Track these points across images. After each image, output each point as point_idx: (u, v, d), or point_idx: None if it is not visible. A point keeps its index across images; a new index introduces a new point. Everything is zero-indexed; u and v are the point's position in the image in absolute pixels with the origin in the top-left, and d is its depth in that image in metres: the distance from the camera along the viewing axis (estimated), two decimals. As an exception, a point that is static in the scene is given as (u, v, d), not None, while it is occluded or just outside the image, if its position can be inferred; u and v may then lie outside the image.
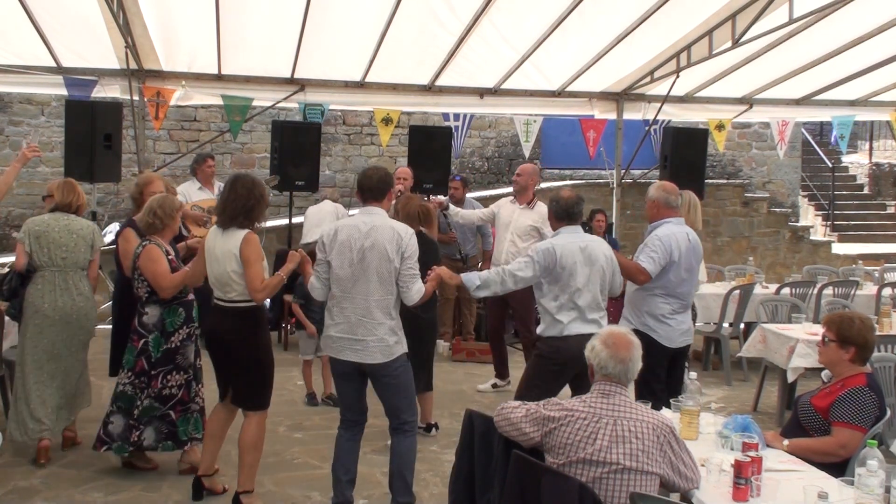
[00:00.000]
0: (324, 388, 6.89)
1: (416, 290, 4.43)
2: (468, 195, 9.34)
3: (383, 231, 4.37)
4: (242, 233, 4.48)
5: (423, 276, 4.56)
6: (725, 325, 8.07)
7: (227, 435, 4.88)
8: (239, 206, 4.48)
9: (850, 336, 4.03)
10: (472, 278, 4.82)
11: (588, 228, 5.53)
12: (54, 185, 5.72)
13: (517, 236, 7.21)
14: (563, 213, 4.92)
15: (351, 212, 7.52)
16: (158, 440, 4.99)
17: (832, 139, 11.09)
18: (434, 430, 6.08)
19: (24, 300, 5.32)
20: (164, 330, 4.93)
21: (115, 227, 9.52)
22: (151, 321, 4.93)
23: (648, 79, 9.78)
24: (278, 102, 9.50)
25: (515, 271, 4.77)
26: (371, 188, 4.52)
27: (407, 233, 4.43)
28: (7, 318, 5.63)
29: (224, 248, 4.49)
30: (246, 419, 4.64)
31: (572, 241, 4.83)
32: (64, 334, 5.27)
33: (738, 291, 7.99)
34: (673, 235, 5.12)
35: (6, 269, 5.79)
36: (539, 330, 4.97)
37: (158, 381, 4.92)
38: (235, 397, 4.70)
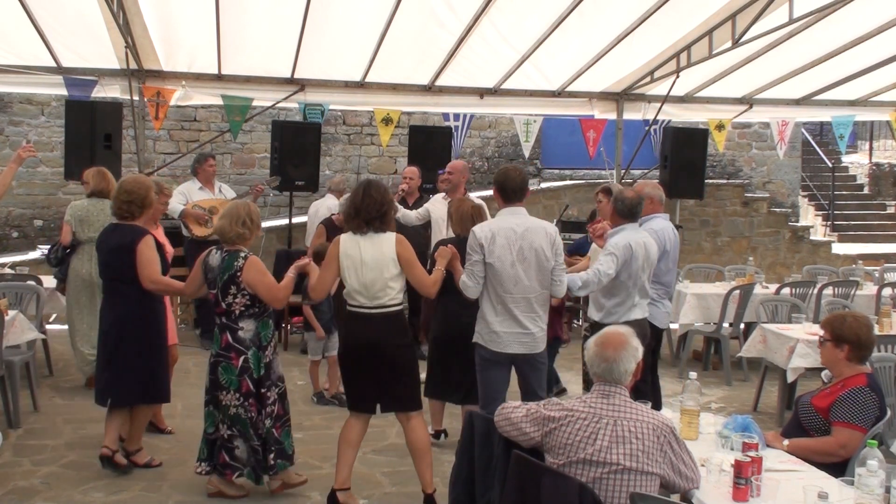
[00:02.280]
0: (329, 388, 6.90)
1: (566, 283, 4.82)
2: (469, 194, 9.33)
3: (537, 231, 4.70)
4: (391, 235, 4.51)
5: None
6: (725, 325, 8.07)
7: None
8: (374, 211, 4.49)
9: (842, 334, 4.04)
10: (574, 279, 5.05)
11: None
12: (90, 172, 6.85)
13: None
14: (628, 212, 5.29)
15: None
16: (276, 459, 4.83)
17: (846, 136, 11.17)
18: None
19: (68, 268, 6.58)
20: (259, 344, 4.72)
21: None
22: (248, 336, 4.68)
23: (648, 79, 9.78)
24: (278, 102, 9.50)
25: (606, 270, 5.05)
26: (516, 189, 4.77)
27: (555, 230, 4.80)
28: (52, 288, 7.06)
29: (375, 253, 4.46)
30: (413, 421, 4.63)
31: (637, 237, 5.23)
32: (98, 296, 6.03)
33: (738, 291, 7.99)
34: (665, 230, 5.81)
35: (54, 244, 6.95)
36: (598, 317, 5.26)
37: (268, 399, 4.75)
38: (392, 404, 4.62)
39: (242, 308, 4.66)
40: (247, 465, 4.72)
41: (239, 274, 4.61)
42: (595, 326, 5.11)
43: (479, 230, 4.70)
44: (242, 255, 4.66)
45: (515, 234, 4.64)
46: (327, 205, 8.84)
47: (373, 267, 4.46)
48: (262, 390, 4.72)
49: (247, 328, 4.68)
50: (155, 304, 5.13)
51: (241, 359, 4.66)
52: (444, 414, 5.89)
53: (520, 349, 4.72)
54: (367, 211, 4.49)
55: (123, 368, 5.04)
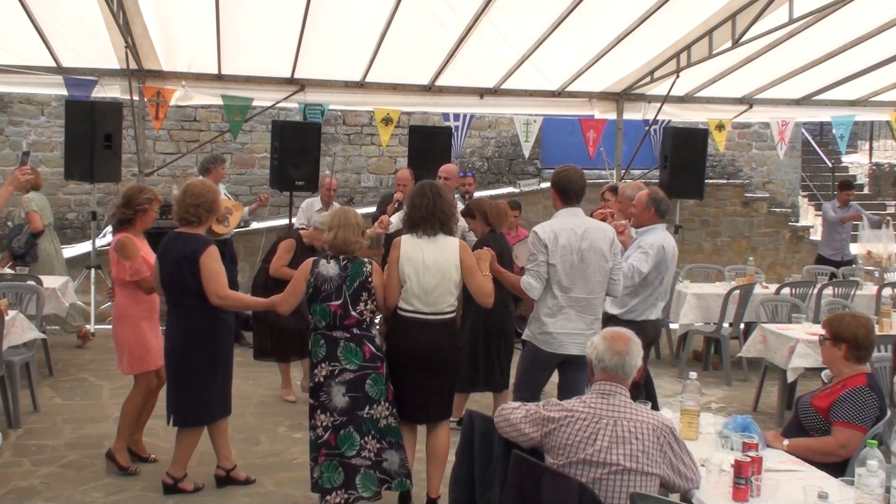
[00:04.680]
0: None
1: (622, 282, 4.84)
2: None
3: (596, 232, 4.71)
4: (455, 240, 4.42)
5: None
6: (725, 325, 8.06)
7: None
8: (448, 212, 4.41)
9: (840, 332, 4.06)
10: None
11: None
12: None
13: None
14: (666, 211, 5.40)
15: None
16: None
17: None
18: None
19: (38, 249, 8.09)
20: (383, 351, 4.56)
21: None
22: (380, 342, 4.51)
23: (648, 79, 9.79)
24: (278, 102, 9.51)
25: (640, 267, 5.12)
26: (577, 191, 4.78)
27: (613, 231, 4.81)
28: (16, 269, 7.54)
29: (438, 257, 4.36)
30: (440, 427, 4.58)
31: (668, 238, 5.32)
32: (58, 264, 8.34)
33: (738, 291, 7.98)
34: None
35: (21, 232, 8.06)
36: (618, 312, 5.26)
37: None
38: (432, 413, 4.53)
39: (370, 314, 4.46)
40: (396, 476, 4.45)
41: (370, 279, 4.41)
42: (612, 320, 5.08)
43: (542, 231, 4.66)
44: (367, 260, 4.48)
45: (576, 234, 4.64)
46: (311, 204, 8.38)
47: (435, 272, 4.34)
48: (394, 397, 4.56)
49: (376, 335, 4.51)
50: (222, 316, 4.77)
51: (385, 366, 4.46)
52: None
53: (574, 350, 4.66)
54: (443, 211, 4.39)
55: (190, 387, 4.73)
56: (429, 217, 4.38)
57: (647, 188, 5.59)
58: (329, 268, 4.41)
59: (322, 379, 4.38)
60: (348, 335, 4.38)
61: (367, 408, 4.35)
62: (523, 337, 4.92)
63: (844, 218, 10.21)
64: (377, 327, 4.65)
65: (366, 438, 4.37)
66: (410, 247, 4.39)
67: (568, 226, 4.67)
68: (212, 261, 4.63)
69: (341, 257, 4.43)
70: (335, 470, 4.36)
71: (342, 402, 4.35)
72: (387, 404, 4.42)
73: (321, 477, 4.38)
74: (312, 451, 4.46)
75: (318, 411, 4.39)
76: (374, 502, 4.45)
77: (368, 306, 4.41)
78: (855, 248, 11.07)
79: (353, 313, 4.37)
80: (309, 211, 8.14)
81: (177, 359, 4.75)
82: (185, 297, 4.68)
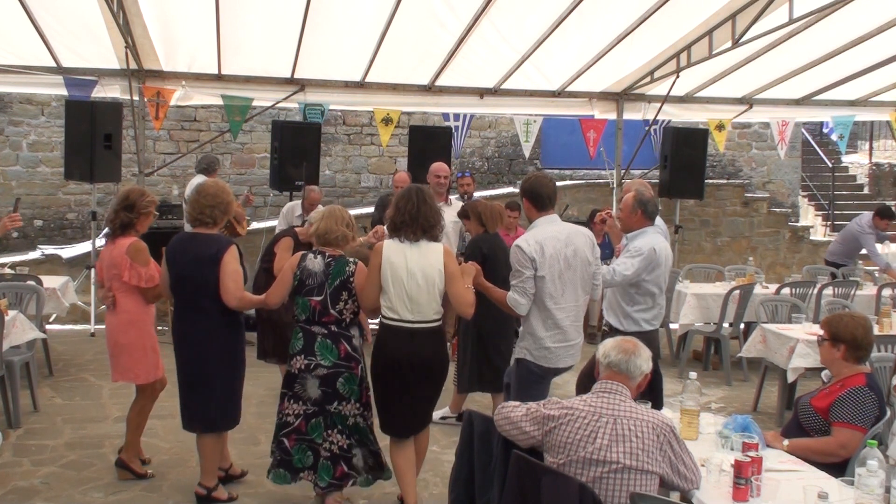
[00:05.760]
0: None
1: (602, 284, 4.78)
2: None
3: (578, 237, 4.60)
4: (439, 246, 4.35)
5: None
6: (725, 325, 8.06)
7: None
8: (433, 218, 4.35)
9: (838, 333, 4.06)
10: None
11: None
12: None
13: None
14: (654, 213, 5.13)
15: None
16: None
17: (827, 129, 10.94)
18: None
19: None
20: (361, 352, 4.53)
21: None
22: (358, 343, 4.50)
23: (648, 79, 9.79)
24: (278, 102, 9.50)
25: (623, 271, 4.90)
26: (550, 195, 4.63)
27: (591, 234, 4.71)
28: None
29: (422, 263, 4.28)
30: (422, 433, 4.61)
31: (660, 241, 5.06)
32: None
33: (738, 291, 7.98)
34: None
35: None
36: (622, 326, 5.05)
37: (371, 406, 4.59)
38: (416, 424, 4.51)
39: (352, 315, 4.46)
40: (362, 472, 4.58)
41: (352, 279, 4.40)
42: (615, 333, 4.94)
43: (526, 244, 4.44)
44: (352, 260, 4.46)
45: (560, 241, 4.49)
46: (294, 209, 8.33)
47: (419, 278, 4.26)
48: (369, 394, 4.59)
49: (356, 336, 4.50)
50: (238, 317, 4.74)
51: (360, 367, 4.47)
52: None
53: (569, 361, 4.61)
54: (427, 218, 4.31)
55: (213, 391, 4.66)
56: (411, 222, 4.31)
57: (633, 190, 5.31)
58: (315, 263, 4.47)
59: (297, 371, 4.46)
60: (326, 331, 4.44)
61: (335, 402, 4.45)
62: (515, 356, 4.70)
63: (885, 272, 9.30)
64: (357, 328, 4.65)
65: (329, 431, 4.48)
66: (393, 252, 4.31)
67: (551, 234, 4.51)
68: (234, 260, 4.59)
69: (327, 254, 4.49)
70: (305, 452, 4.52)
71: (316, 394, 4.46)
72: (358, 404, 4.47)
73: (292, 458, 4.53)
74: (277, 434, 4.59)
75: (291, 401, 4.51)
76: (331, 492, 4.56)
77: (349, 306, 4.44)
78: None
79: (332, 311, 4.42)
80: (290, 216, 8.12)
81: (199, 365, 4.65)
82: (204, 298, 4.57)
